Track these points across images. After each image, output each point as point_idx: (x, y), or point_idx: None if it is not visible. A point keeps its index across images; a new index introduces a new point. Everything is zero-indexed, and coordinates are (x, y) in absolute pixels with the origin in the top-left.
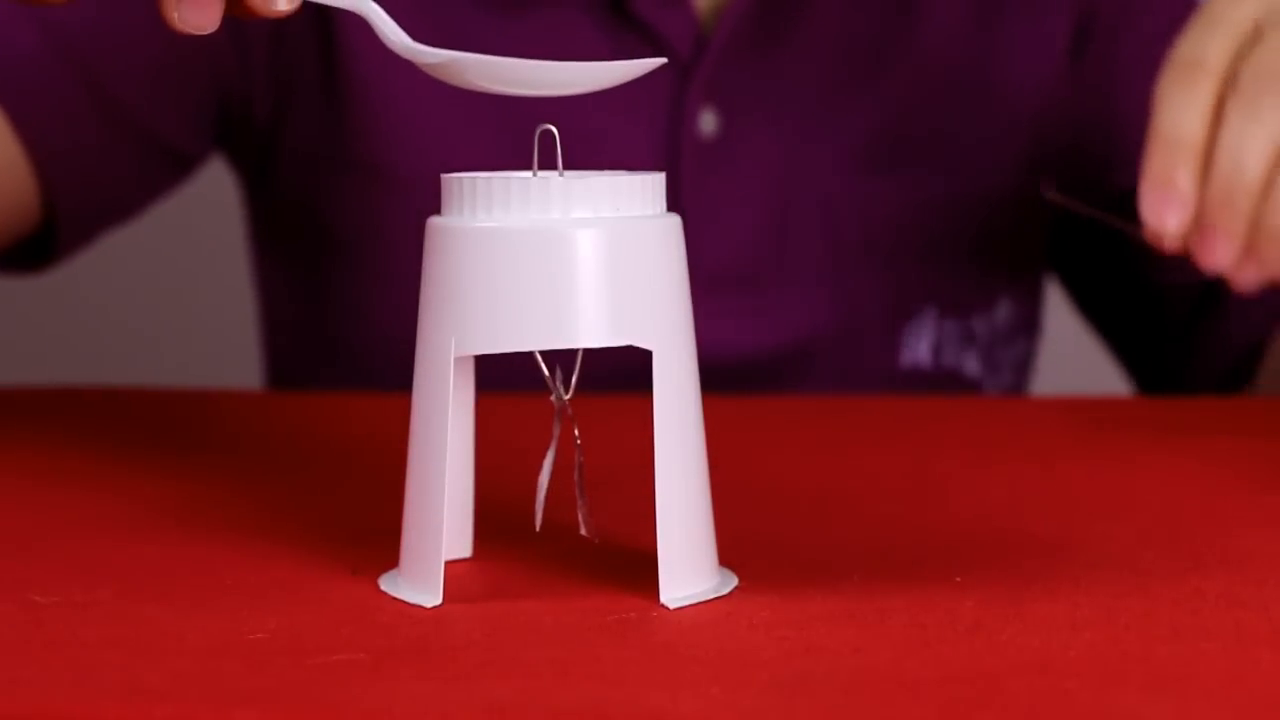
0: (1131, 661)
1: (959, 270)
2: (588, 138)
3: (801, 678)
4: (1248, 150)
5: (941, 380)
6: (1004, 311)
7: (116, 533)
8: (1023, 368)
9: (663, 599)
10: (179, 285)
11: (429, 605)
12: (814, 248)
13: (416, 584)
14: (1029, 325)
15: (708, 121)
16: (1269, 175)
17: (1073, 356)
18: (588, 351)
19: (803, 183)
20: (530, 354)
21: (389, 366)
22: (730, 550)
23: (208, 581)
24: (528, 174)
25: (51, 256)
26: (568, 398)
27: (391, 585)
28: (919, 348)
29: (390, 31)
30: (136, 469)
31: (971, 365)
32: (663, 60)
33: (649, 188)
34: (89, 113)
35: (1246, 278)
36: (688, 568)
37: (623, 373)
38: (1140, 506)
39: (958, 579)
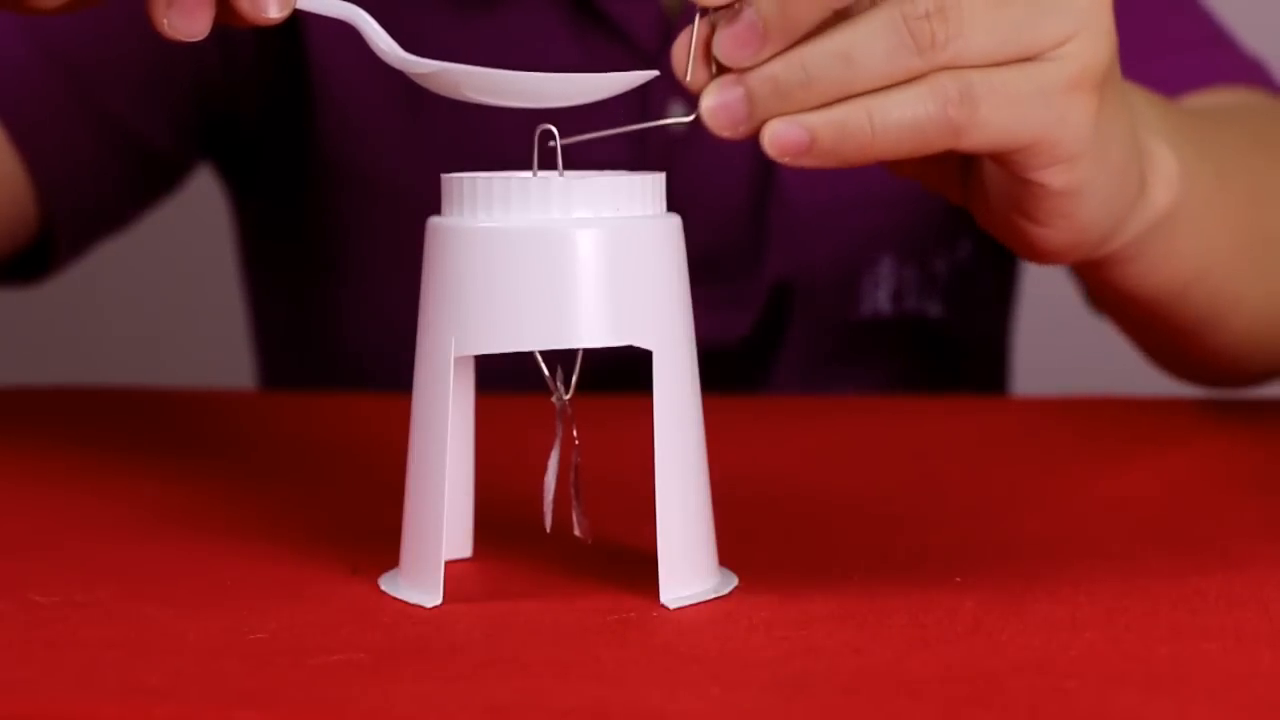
0: (1131, 661)
1: (914, 216)
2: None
3: (801, 678)
4: None
5: (903, 326)
6: (967, 247)
7: (116, 533)
8: (998, 305)
9: (663, 599)
10: (179, 288)
11: (429, 605)
12: (780, 226)
13: (416, 584)
14: (998, 258)
15: (677, 114)
16: None
17: (1068, 357)
18: (588, 351)
19: (768, 166)
20: (530, 354)
21: (377, 371)
22: (730, 550)
23: (208, 582)
24: (528, 174)
25: (46, 268)
26: (568, 398)
27: (391, 585)
28: (878, 296)
29: (382, 42)
30: (136, 469)
31: (934, 308)
32: (654, 73)
33: (649, 188)
34: (81, 123)
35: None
36: (688, 568)
37: (623, 373)
38: (1140, 507)
39: (958, 579)
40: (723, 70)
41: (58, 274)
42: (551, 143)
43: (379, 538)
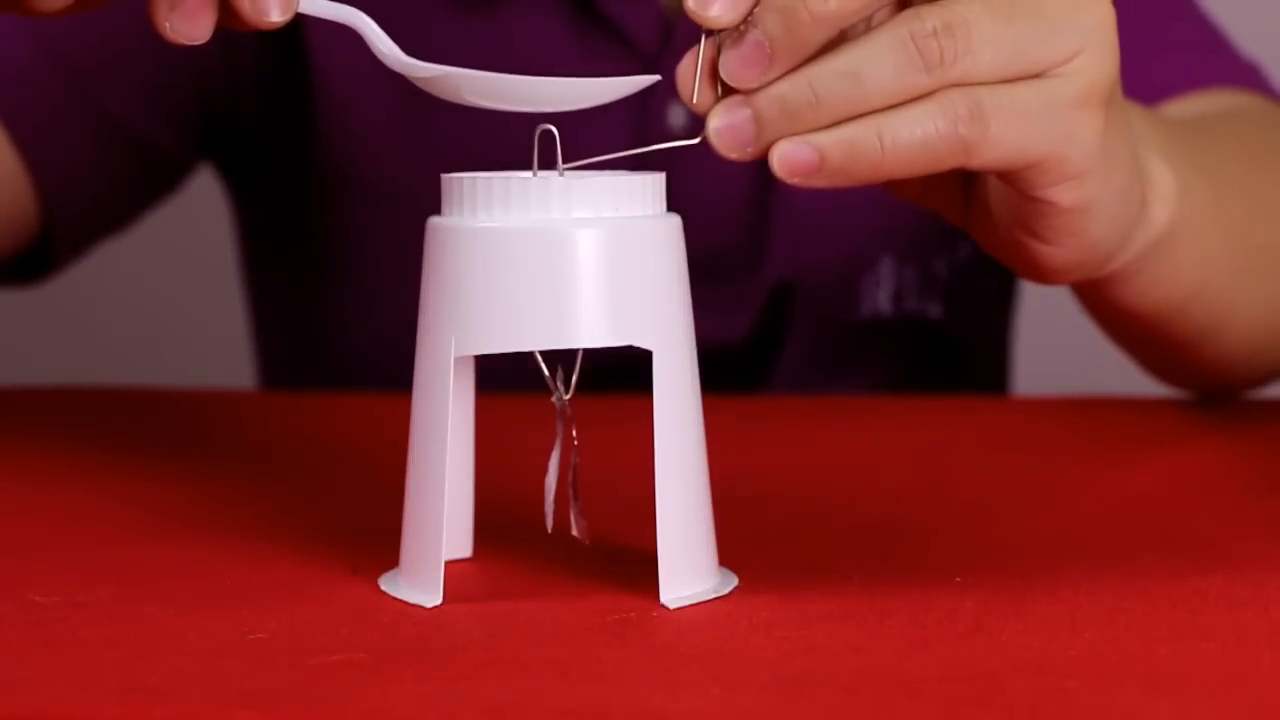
0: (1131, 661)
1: (915, 217)
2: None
3: (801, 678)
4: None
5: (903, 326)
6: (967, 248)
7: (116, 533)
8: (999, 306)
9: (663, 599)
10: (179, 288)
11: (429, 605)
12: (780, 227)
13: (416, 584)
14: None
15: (677, 116)
16: None
17: (1069, 357)
18: (588, 351)
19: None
20: (530, 354)
21: (378, 371)
22: (730, 550)
23: (208, 582)
24: (528, 174)
25: (46, 269)
26: (568, 398)
27: (391, 585)
28: (878, 296)
29: (382, 45)
30: (136, 469)
31: (934, 309)
32: (656, 78)
33: (649, 188)
34: (82, 124)
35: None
36: (688, 568)
37: (623, 373)
38: (1140, 507)
39: (958, 579)
40: (729, 91)
41: (58, 274)
42: (558, 172)
43: (379, 538)
